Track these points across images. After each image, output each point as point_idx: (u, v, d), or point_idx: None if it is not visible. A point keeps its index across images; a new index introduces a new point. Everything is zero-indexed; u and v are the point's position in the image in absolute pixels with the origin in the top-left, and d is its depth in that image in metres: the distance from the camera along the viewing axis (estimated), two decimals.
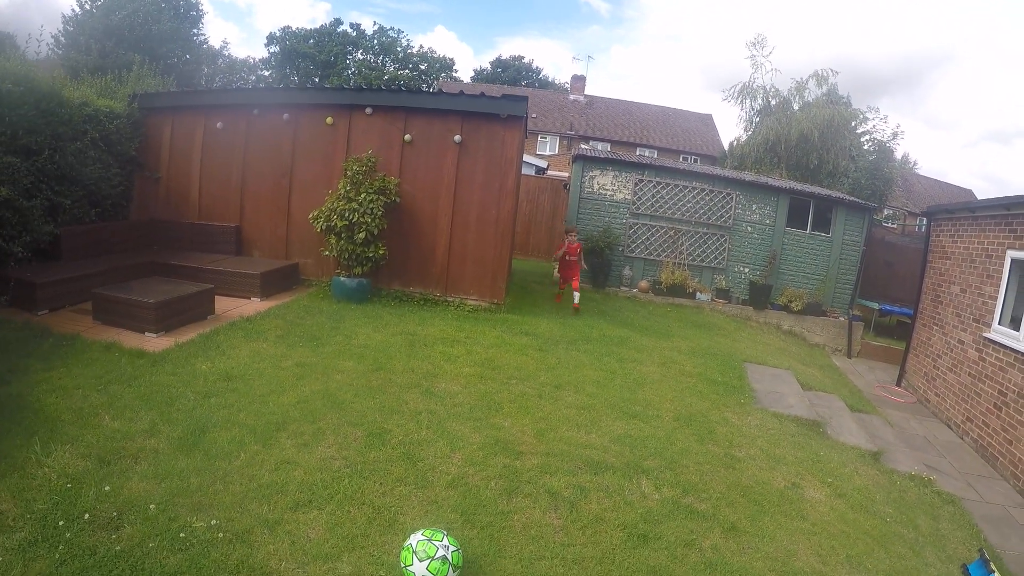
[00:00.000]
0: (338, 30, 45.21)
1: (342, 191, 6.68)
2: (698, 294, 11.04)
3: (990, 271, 7.09)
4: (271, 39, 44.18)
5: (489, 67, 49.47)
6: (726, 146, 27.03)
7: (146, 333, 5.25)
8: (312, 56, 42.93)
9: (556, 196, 14.85)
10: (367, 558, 2.63)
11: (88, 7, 25.63)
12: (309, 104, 7.71)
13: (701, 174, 11.75)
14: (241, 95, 8.39)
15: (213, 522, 2.68)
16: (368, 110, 7.35)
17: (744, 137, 20.50)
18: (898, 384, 9.22)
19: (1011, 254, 6.68)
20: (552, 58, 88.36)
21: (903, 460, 5.81)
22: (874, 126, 21.52)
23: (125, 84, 8.71)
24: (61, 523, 2.58)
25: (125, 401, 3.79)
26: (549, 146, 27.91)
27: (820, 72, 18.90)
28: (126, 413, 3.63)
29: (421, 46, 62.52)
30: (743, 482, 3.98)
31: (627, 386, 5.39)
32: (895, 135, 22.35)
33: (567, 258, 8.82)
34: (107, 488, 2.83)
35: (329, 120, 7.45)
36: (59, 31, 24.48)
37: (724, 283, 11.35)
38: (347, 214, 6.49)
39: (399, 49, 46.73)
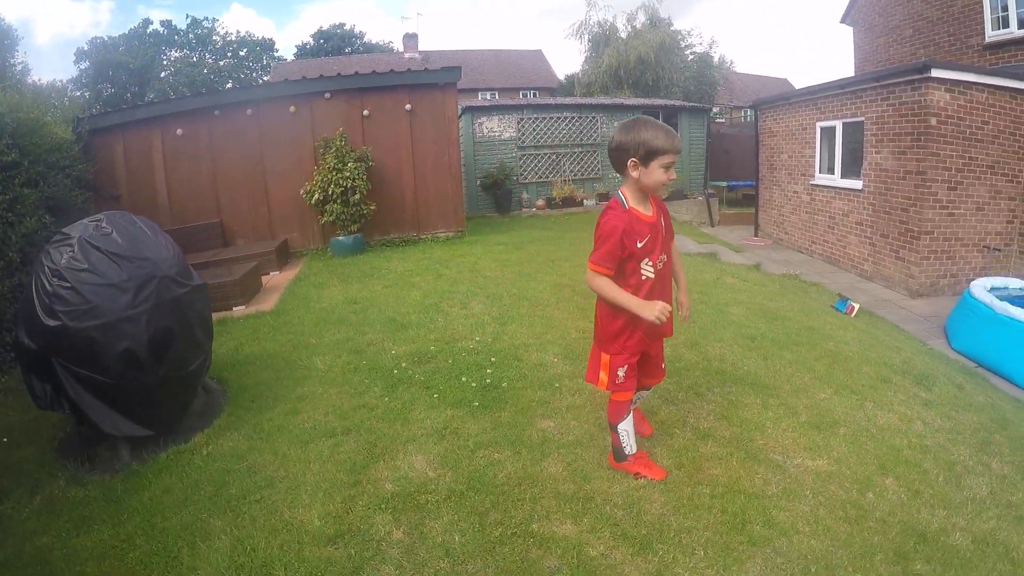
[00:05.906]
0: (148, 31, 42.13)
1: (331, 164, 8.01)
2: (585, 201, 13.61)
3: (807, 139, 9.86)
4: (80, 55, 40.22)
5: (312, 40, 48.00)
6: (562, 77, 30.03)
7: (234, 309, 5.93)
8: (125, 64, 39.78)
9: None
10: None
11: None
12: (270, 97, 8.64)
13: (569, 105, 14.17)
14: (198, 100, 8.85)
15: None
16: (327, 95, 8.62)
17: (588, 67, 23.36)
18: (755, 235, 12.23)
19: (819, 124, 9.47)
20: (369, 14, 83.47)
21: (775, 269, 8.47)
22: (696, 41, 25.47)
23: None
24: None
25: (314, 323, 5.32)
26: None
27: (647, 3, 22.62)
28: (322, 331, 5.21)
29: (237, 31, 59.43)
30: (690, 279, 6.37)
31: (554, 249, 7.98)
32: (711, 45, 26.79)
33: (648, 263, 2.33)
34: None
35: (292, 109, 8.55)
36: None
37: (603, 188, 14.00)
38: (341, 181, 7.93)
39: (216, 39, 44.54)
